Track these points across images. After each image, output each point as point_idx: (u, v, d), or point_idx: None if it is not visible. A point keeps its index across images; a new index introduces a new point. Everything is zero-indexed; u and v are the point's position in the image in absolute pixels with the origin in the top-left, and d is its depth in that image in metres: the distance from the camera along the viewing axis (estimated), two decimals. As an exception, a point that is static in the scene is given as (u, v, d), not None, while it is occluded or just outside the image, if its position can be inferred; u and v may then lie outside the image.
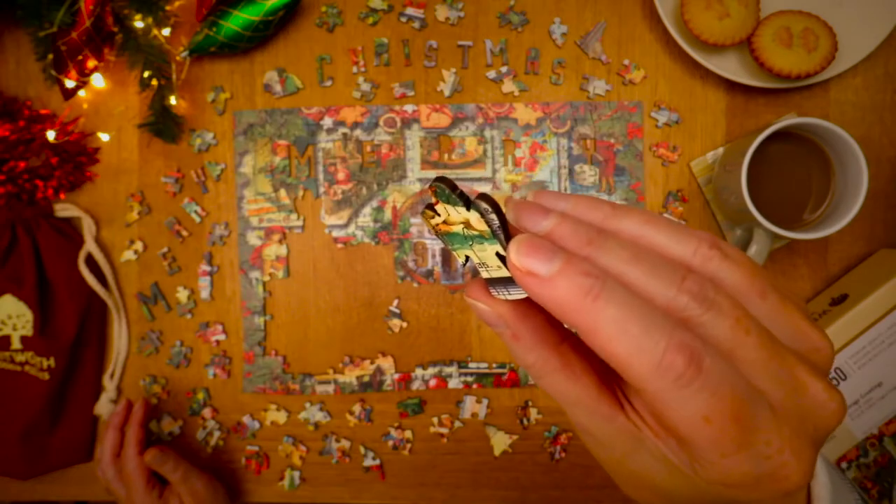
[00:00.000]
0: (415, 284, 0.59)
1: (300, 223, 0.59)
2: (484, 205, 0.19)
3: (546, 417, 0.59)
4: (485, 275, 0.21)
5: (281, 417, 0.59)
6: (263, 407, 0.60)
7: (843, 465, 0.53)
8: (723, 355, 0.17)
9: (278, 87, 0.59)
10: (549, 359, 0.21)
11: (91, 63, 0.53)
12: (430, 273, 0.59)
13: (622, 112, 0.58)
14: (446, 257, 0.59)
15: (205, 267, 0.59)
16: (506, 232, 0.20)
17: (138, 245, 0.60)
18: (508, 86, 0.58)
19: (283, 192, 0.59)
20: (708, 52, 0.55)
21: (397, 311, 0.59)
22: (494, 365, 0.59)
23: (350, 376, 0.59)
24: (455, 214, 0.20)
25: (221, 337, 0.60)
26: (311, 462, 0.60)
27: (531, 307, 0.21)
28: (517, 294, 0.20)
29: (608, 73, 0.58)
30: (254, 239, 0.59)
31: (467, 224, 0.20)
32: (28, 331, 0.57)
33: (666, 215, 0.58)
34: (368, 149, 0.59)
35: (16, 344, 0.57)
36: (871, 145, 0.57)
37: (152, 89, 0.56)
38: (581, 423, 0.22)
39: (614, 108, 0.58)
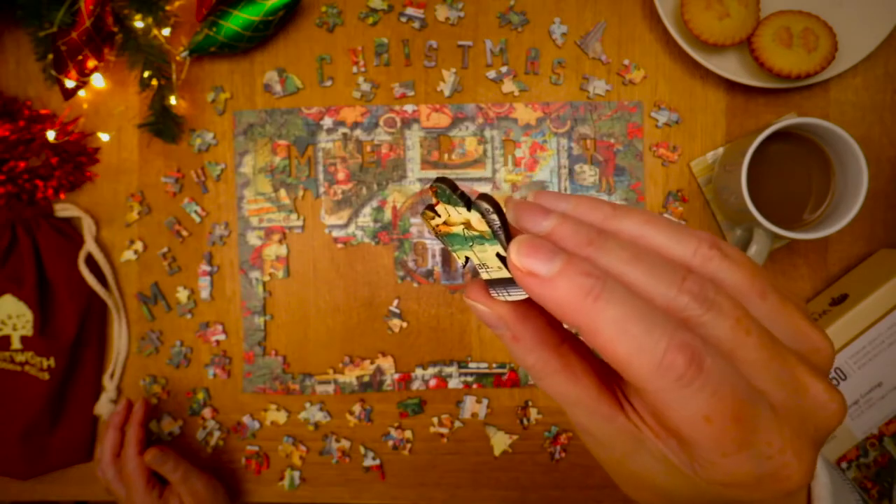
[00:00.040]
0: (415, 284, 0.59)
1: (300, 223, 0.59)
2: (485, 205, 0.19)
3: (546, 417, 0.59)
4: (485, 276, 0.21)
5: (281, 417, 0.59)
6: (263, 407, 0.60)
7: (843, 465, 0.53)
8: (723, 355, 0.17)
9: (278, 87, 0.59)
10: (549, 360, 0.21)
11: (91, 63, 0.53)
12: (430, 273, 0.59)
13: (622, 112, 0.58)
14: (446, 257, 0.59)
15: (205, 267, 0.59)
16: (506, 232, 0.20)
17: (138, 245, 0.60)
18: (508, 86, 0.58)
19: (283, 192, 0.59)
20: (708, 52, 0.55)
21: (397, 311, 0.59)
22: (494, 365, 0.59)
23: (350, 376, 0.59)
24: (455, 215, 0.20)
25: (221, 337, 0.60)
26: (311, 462, 0.60)
27: (531, 308, 0.21)
28: (517, 295, 0.20)
29: (608, 73, 0.58)
30: (254, 239, 0.59)
31: (468, 225, 0.20)
32: (28, 331, 0.57)
33: (666, 215, 0.58)
34: (368, 149, 0.59)
35: (16, 344, 0.57)
36: (871, 145, 0.57)
37: (152, 89, 0.56)
38: (581, 424, 0.22)
39: (614, 108, 0.58)
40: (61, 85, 0.52)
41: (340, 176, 0.59)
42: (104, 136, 0.59)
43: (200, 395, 0.60)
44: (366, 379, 0.59)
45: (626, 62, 0.58)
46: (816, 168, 0.52)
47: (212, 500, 0.55)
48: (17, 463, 0.57)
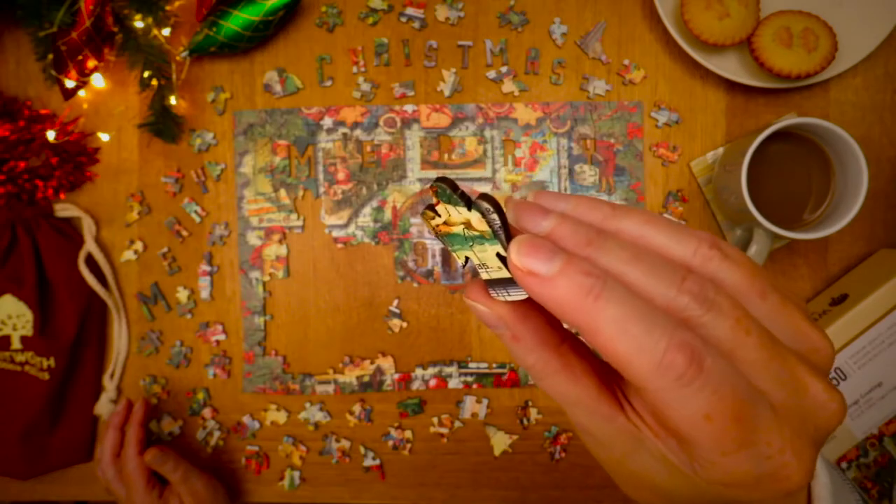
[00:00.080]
0: (415, 284, 0.59)
1: (300, 223, 0.59)
2: (485, 205, 0.20)
3: (546, 417, 0.59)
4: (484, 276, 0.21)
5: (281, 417, 0.59)
6: (263, 407, 0.60)
7: (843, 465, 0.53)
8: (723, 355, 0.17)
9: (278, 87, 0.59)
10: (549, 360, 0.21)
11: (91, 63, 0.53)
12: (430, 273, 0.59)
13: (622, 112, 0.58)
14: (446, 257, 0.59)
15: (205, 267, 0.59)
16: (506, 232, 0.20)
17: (138, 245, 0.60)
18: (508, 86, 0.58)
19: (283, 192, 0.59)
20: (708, 52, 0.55)
21: (397, 311, 0.59)
22: (494, 365, 0.59)
23: (350, 376, 0.59)
24: (456, 215, 0.20)
25: (221, 337, 0.60)
26: (311, 462, 0.60)
27: (531, 308, 0.21)
28: (517, 295, 0.20)
29: (608, 73, 0.58)
30: (254, 239, 0.59)
31: (468, 224, 0.20)
32: (28, 331, 0.57)
33: (666, 215, 0.58)
34: (368, 149, 0.59)
35: (16, 344, 0.57)
36: (871, 145, 0.57)
37: (152, 89, 0.56)
38: (581, 424, 0.22)
39: (614, 108, 0.58)
40: (61, 85, 0.52)
41: (340, 176, 0.59)
42: (104, 136, 0.59)
43: (200, 395, 0.60)
44: (366, 379, 0.59)
45: (626, 62, 0.58)
46: (816, 168, 0.52)
47: (212, 500, 0.55)
48: (17, 463, 0.57)
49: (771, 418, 0.18)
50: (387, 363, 0.59)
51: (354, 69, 0.59)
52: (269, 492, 0.60)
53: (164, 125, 0.57)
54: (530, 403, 0.59)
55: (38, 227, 0.57)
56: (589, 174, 0.58)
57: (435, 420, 0.59)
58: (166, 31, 0.56)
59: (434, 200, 0.21)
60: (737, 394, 0.17)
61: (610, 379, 0.21)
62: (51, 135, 0.56)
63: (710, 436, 0.17)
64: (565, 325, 0.21)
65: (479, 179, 0.59)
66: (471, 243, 0.21)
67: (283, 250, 0.59)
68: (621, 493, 0.24)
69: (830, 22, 0.52)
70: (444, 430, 0.59)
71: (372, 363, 0.59)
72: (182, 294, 0.60)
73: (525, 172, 0.59)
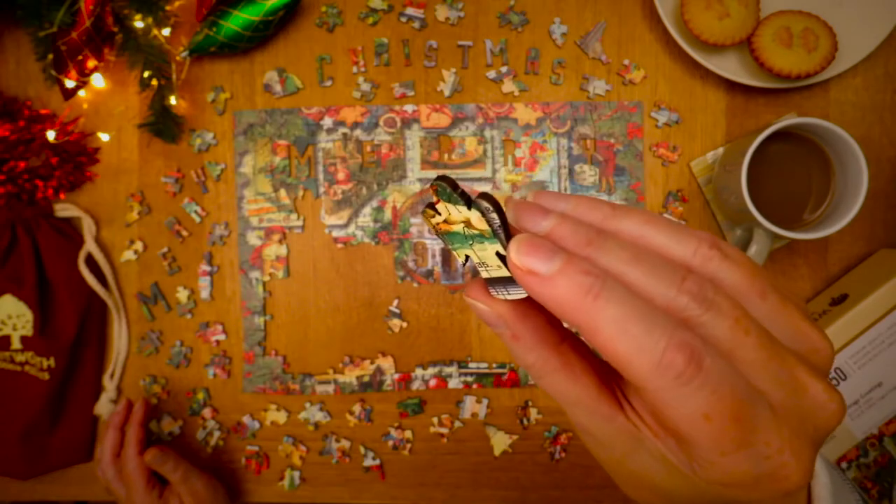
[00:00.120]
0: (415, 284, 0.59)
1: (300, 223, 0.59)
2: (485, 204, 0.20)
3: (546, 417, 0.59)
4: (485, 274, 0.21)
5: (281, 417, 0.59)
6: (263, 407, 0.60)
7: (843, 465, 0.53)
8: (723, 355, 0.17)
9: (278, 87, 0.59)
10: (548, 359, 0.21)
11: (91, 63, 0.53)
12: (430, 273, 0.59)
13: (622, 112, 0.58)
14: (446, 257, 0.59)
15: (205, 267, 0.59)
16: (506, 231, 0.20)
17: (138, 245, 0.60)
18: (508, 86, 0.58)
19: (283, 192, 0.59)
20: (708, 52, 0.55)
21: (397, 311, 0.59)
22: (494, 365, 0.59)
23: (350, 376, 0.59)
24: (456, 213, 0.20)
25: (221, 337, 0.60)
26: (311, 462, 0.60)
27: (531, 307, 0.21)
28: (517, 294, 0.20)
29: (608, 73, 0.58)
30: (254, 239, 0.59)
31: (468, 223, 0.20)
32: (28, 331, 0.57)
33: (666, 215, 0.58)
34: (368, 149, 0.59)
35: (16, 344, 0.57)
36: (871, 145, 0.57)
37: (152, 89, 0.56)
38: (581, 423, 0.22)
39: (614, 108, 0.58)
40: (61, 85, 0.52)
41: (340, 176, 0.59)
42: (104, 136, 0.59)
43: (200, 395, 0.60)
44: (366, 379, 0.59)
45: (626, 62, 0.58)
46: (816, 168, 0.52)
47: (212, 500, 0.55)
48: (17, 463, 0.57)
49: (770, 418, 0.18)
50: (387, 363, 0.59)
51: (354, 69, 0.59)
52: (269, 492, 0.60)
53: (164, 125, 0.57)
54: (530, 403, 0.59)
55: (38, 227, 0.57)
56: (589, 174, 0.58)
57: (435, 420, 0.59)
58: (166, 31, 0.56)
59: (434, 199, 0.21)
60: (736, 394, 0.17)
61: (609, 378, 0.21)
62: (51, 135, 0.56)
63: (708, 436, 0.17)
64: (565, 325, 0.21)
65: (479, 179, 0.59)
66: (471, 242, 0.21)
67: (283, 250, 0.59)
68: (621, 493, 0.24)
69: (830, 22, 0.52)
70: (444, 430, 0.59)
71: (372, 363, 0.59)
72: (182, 294, 0.60)
73: (525, 172, 0.59)
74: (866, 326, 0.51)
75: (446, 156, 0.59)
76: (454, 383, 0.59)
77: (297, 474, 0.60)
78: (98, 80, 0.57)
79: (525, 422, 0.59)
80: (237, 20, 0.54)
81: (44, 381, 0.57)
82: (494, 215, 0.20)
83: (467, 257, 0.22)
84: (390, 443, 0.59)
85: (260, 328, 0.59)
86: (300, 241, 0.59)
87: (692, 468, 0.19)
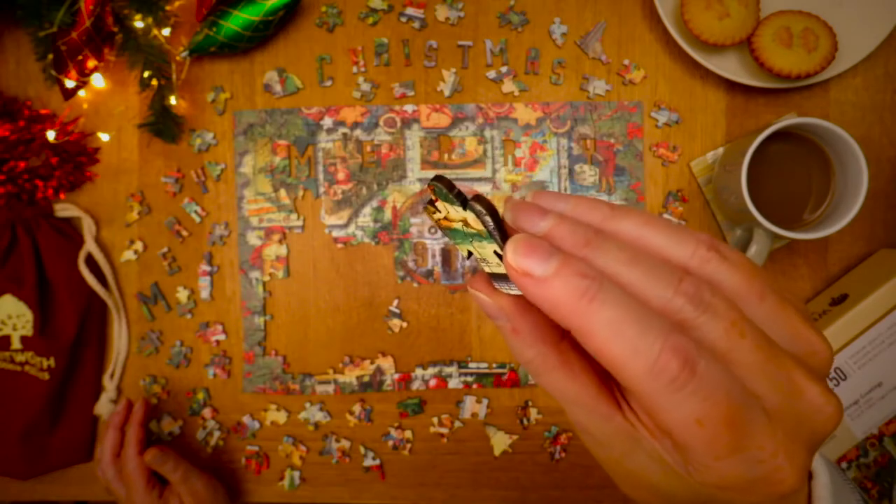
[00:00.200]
0: (415, 284, 0.59)
1: (300, 223, 0.59)
2: (479, 207, 0.20)
3: (546, 417, 0.59)
4: (486, 270, 0.22)
5: (281, 417, 0.59)
6: (263, 407, 0.60)
7: (843, 465, 0.53)
8: (718, 359, 0.17)
9: (278, 87, 0.59)
10: (547, 355, 0.21)
11: (91, 63, 0.53)
12: (430, 273, 0.59)
13: (622, 112, 0.58)
14: (446, 257, 0.59)
15: (205, 267, 0.60)
16: (502, 232, 0.20)
17: (138, 245, 0.60)
18: (508, 86, 0.58)
19: (283, 192, 0.59)
20: (708, 52, 0.55)
21: (397, 311, 0.59)
22: (494, 365, 0.59)
23: (350, 376, 0.59)
24: (454, 213, 0.20)
25: (221, 337, 0.60)
26: (311, 462, 0.60)
27: (532, 303, 0.21)
28: (517, 290, 0.20)
29: (608, 73, 0.58)
30: (254, 239, 0.59)
31: (465, 222, 0.20)
32: (28, 331, 0.57)
33: (666, 215, 0.58)
34: (368, 149, 0.59)
35: (16, 344, 0.57)
36: (871, 145, 0.57)
37: (152, 89, 0.56)
38: (580, 422, 0.22)
39: (614, 108, 0.58)
40: (61, 85, 0.52)
41: (340, 176, 0.59)
42: (104, 136, 0.59)
43: (200, 395, 0.60)
44: (366, 379, 0.59)
45: (626, 62, 0.58)
46: (816, 168, 0.52)
47: (212, 500, 0.55)
48: (17, 463, 0.57)
49: (764, 423, 0.18)
50: (387, 363, 0.59)
51: (354, 69, 0.59)
52: (269, 492, 0.60)
53: (164, 125, 0.57)
54: (530, 403, 0.59)
55: (38, 227, 0.57)
56: (589, 174, 0.58)
57: (435, 420, 0.59)
58: (166, 31, 0.56)
59: (433, 198, 0.21)
60: (730, 399, 0.17)
61: (608, 378, 0.21)
62: (51, 135, 0.56)
63: (701, 440, 0.17)
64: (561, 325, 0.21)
65: (479, 179, 0.59)
66: (470, 239, 0.21)
67: (283, 250, 0.59)
68: (621, 493, 0.24)
69: (830, 22, 0.52)
70: (444, 430, 0.59)
71: (372, 363, 0.59)
72: (182, 294, 0.60)
73: (525, 172, 0.59)
74: (866, 326, 0.51)
75: (446, 156, 0.59)
76: (454, 383, 0.59)
77: (297, 474, 0.60)
78: (98, 80, 0.57)
79: (525, 422, 0.59)
80: (237, 20, 0.54)
81: (44, 381, 0.57)
82: (488, 218, 0.20)
83: (469, 252, 0.22)
84: (390, 443, 0.59)
85: (260, 328, 0.59)
86: (300, 241, 0.59)
87: (687, 470, 0.19)
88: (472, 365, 0.59)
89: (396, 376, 0.59)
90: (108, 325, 0.60)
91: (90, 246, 0.58)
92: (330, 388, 0.59)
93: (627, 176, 0.58)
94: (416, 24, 0.59)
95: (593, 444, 0.22)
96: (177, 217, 0.60)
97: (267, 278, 0.59)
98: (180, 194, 0.60)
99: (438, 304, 0.59)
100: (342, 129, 0.59)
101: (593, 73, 0.58)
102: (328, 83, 0.59)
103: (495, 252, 0.20)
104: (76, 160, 0.58)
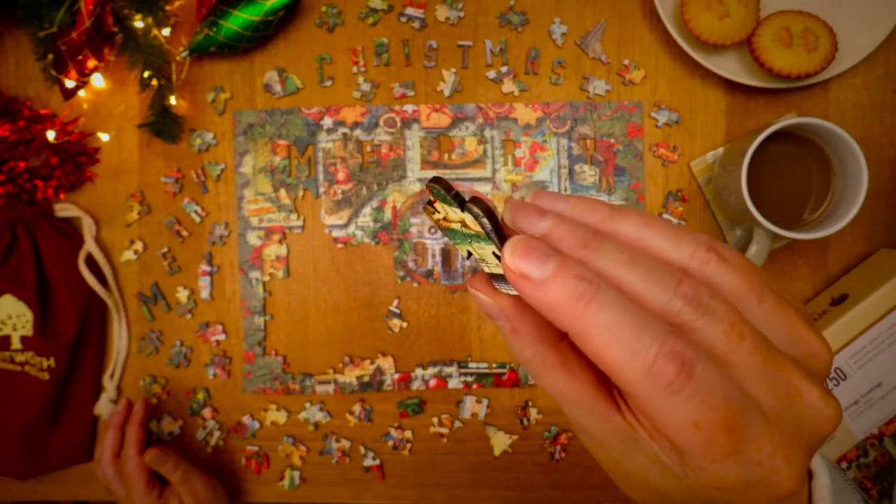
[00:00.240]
0: (415, 284, 0.59)
1: (300, 223, 0.59)
2: (476, 209, 0.20)
3: (546, 417, 0.59)
4: (486, 270, 0.22)
5: (281, 417, 0.59)
6: (263, 407, 0.60)
7: (843, 465, 0.53)
8: (716, 362, 0.17)
9: (278, 87, 0.59)
10: (547, 355, 0.21)
11: (91, 63, 0.53)
12: (430, 273, 0.59)
13: (622, 112, 0.58)
14: (446, 257, 0.59)
15: (205, 267, 0.60)
16: (500, 234, 0.20)
17: (138, 245, 0.60)
18: (508, 86, 0.58)
19: (283, 192, 0.59)
20: (708, 52, 0.55)
21: (397, 311, 0.59)
22: (494, 365, 0.59)
23: (350, 376, 0.59)
24: (452, 214, 0.20)
25: (221, 337, 0.60)
26: (311, 462, 0.60)
27: None
28: (515, 290, 0.21)
29: (608, 73, 0.58)
30: (254, 239, 0.59)
31: (464, 223, 0.20)
32: (28, 331, 0.57)
33: (666, 216, 0.58)
34: (368, 149, 0.59)
35: (16, 344, 0.57)
36: (871, 145, 0.57)
37: (152, 89, 0.56)
38: (579, 423, 0.22)
39: (614, 108, 0.58)
40: (61, 85, 0.52)
41: (340, 176, 0.59)
42: (104, 136, 0.59)
43: (200, 395, 0.60)
44: (366, 379, 0.59)
45: (626, 62, 0.58)
46: (816, 168, 0.52)
47: (212, 500, 0.55)
48: (17, 463, 0.57)
49: (762, 425, 0.18)
50: (387, 363, 0.59)
51: (354, 69, 0.59)
52: (269, 492, 0.60)
53: (164, 125, 0.57)
54: (530, 403, 0.59)
55: (38, 227, 0.57)
56: (589, 174, 0.58)
57: (435, 420, 0.59)
58: (166, 31, 0.56)
59: (432, 198, 0.21)
60: (727, 402, 0.17)
61: (607, 378, 0.21)
62: (51, 135, 0.56)
63: (698, 443, 0.17)
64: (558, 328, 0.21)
65: (479, 179, 0.59)
66: (470, 240, 0.21)
67: (283, 250, 0.59)
68: (621, 493, 0.24)
69: (830, 22, 0.52)
70: (444, 430, 0.59)
71: (372, 363, 0.59)
72: (182, 294, 0.60)
73: (525, 172, 0.59)
74: (866, 326, 0.51)
75: (446, 156, 0.59)
76: (454, 383, 0.59)
77: (297, 474, 0.60)
78: (98, 80, 0.57)
79: (525, 422, 0.59)
80: (237, 20, 0.54)
81: (44, 381, 0.57)
82: (485, 220, 0.20)
83: (469, 252, 0.22)
84: (390, 443, 0.59)
85: (260, 328, 0.59)
86: (300, 241, 0.59)
87: (684, 472, 0.19)
88: (472, 365, 0.59)
89: (396, 376, 0.59)
90: (108, 325, 0.60)
91: (90, 246, 0.58)
92: (330, 388, 0.59)
93: (627, 176, 0.58)
94: (416, 24, 0.59)
95: (592, 444, 0.22)
96: (177, 217, 0.60)
97: (267, 278, 0.59)
98: (180, 194, 0.60)
99: (438, 304, 0.59)
100: (342, 129, 0.59)
101: (593, 73, 0.58)
102: (328, 83, 0.59)
103: (494, 253, 0.20)
104: (76, 160, 0.58)
